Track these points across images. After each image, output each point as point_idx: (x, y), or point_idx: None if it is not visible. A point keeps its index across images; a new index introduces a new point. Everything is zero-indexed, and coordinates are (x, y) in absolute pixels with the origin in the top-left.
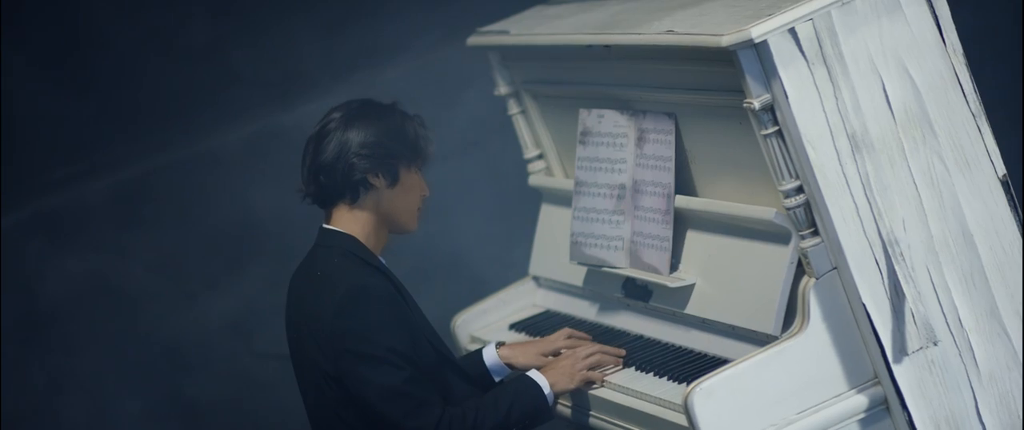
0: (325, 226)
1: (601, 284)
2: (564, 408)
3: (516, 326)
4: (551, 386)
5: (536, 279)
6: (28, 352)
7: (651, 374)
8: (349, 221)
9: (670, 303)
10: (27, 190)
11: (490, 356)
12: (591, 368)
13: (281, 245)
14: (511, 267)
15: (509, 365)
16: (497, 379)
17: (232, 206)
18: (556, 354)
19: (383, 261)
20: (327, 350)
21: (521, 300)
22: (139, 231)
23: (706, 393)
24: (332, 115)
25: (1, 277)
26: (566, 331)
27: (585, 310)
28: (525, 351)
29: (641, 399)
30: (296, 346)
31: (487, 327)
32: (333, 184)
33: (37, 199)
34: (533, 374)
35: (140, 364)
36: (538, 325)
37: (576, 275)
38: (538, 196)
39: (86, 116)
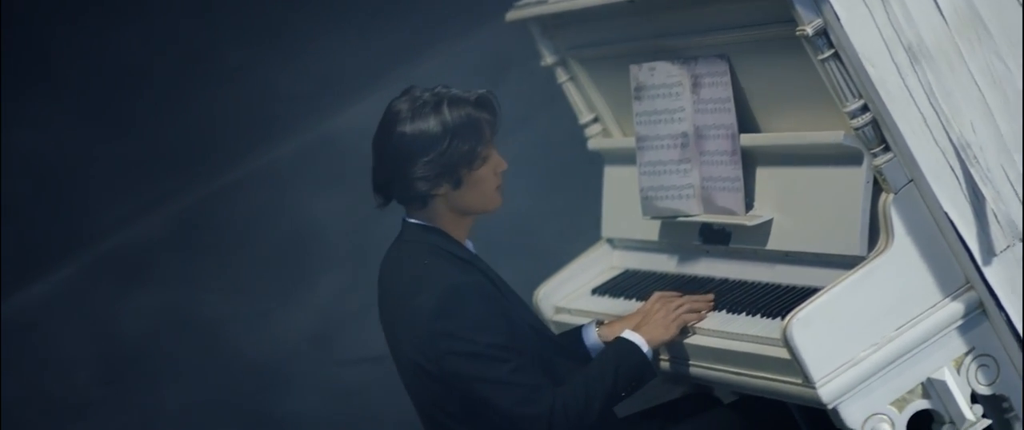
0: (408, 219)
1: (677, 235)
2: (663, 363)
3: (598, 290)
4: (647, 342)
5: (610, 241)
6: (114, 394)
7: (743, 314)
8: (429, 215)
9: (750, 242)
10: (89, 236)
11: (590, 338)
12: (682, 317)
13: (347, 250)
14: (581, 235)
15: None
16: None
17: (292, 219)
18: None
19: (471, 247)
20: (429, 352)
21: (598, 264)
22: (205, 258)
23: (803, 323)
24: (389, 121)
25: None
26: (657, 295)
27: (664, 264)
28: (622, 325)
29: (738, 340)
30: (393, 343)
31: (569, 296)
32: (397, 196)
33: (100, 243)
34: (627, 334)
35: (226, 389)
36: (620, 286)
37: (650, 230)
38: (597, 161)
39: (136, 153)
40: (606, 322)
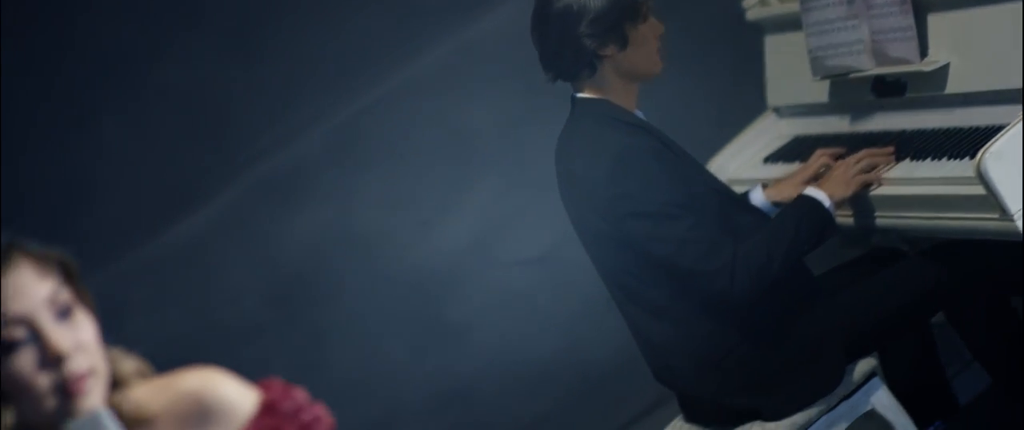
0: (577, 95)
1: (848, 93)
2: (845, 219)
3: (769, 158)
4: (829, 197)
5: (776, 110)
6: (282, 316)
7: (928, 160)
8: (596, 87)
9: (927, 89)
10: (244, 162)
11: (757, 198)
12: (864, 171)
13: (501, 154)
14: (742, 112)
15: (776, 204)
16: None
17: (444, 128)
18: (818, 176)
19: (641, 115)
20: (608, 217)
21: (766, 134)
22: (361, 174)
23: (996, 156)
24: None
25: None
26: (819, 151)
27: (836, 124)
28: (788, 184)
29: (927, 184)
30: (577, 217)
31: (741, 167)
32: (567, 66)
33: (256, 167)
34: (809, 191)
35: (392, 301)
36: (791, 152)
37: (819, 92)
38: (754, 31)
39: (282, 77)
40: (771, 184)
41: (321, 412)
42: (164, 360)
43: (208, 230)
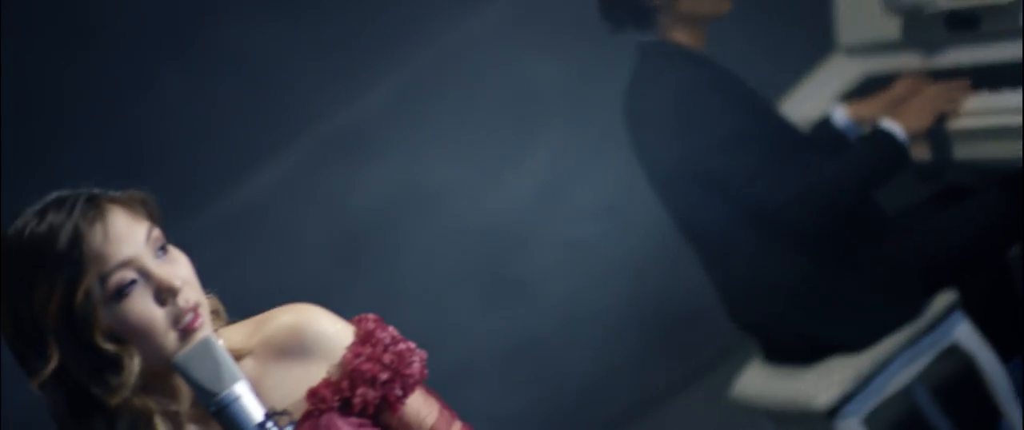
0: (641, 40)
1: (920, 28)
2: (920, 155)
3: (844, 96)
4: (904, 129)
5: (847, 49)
6: (352, 274)
7: (1005, 91)
8: (660, 31)
9: (1003, 23)
10: (308, 121)
11: (840, 117)
12: (939, 103)
13: (567, 106)
14: (811, 51)
15: (858, 122)
16: (852, 138)
17: (510, 81)
18: (899, 101)
19: (705, 53)
20: (678, 152)
21: (838, 75)
22: (427, 129)
23: None
24: None
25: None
26: (904, 76)
27: (909, 61)
28: (870, 104)
29: (1003, 115)
30: (647, 159)
31: (814, 109)
32: (632, 13)
33: (321, 125)
34: (884, 124)
35: (462, 255)
36: (864, 91)
37: (890, 28)
38: None
39: (342, 35)
40: (853, 103)
41: (413, 345)
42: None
43: (275, 188)
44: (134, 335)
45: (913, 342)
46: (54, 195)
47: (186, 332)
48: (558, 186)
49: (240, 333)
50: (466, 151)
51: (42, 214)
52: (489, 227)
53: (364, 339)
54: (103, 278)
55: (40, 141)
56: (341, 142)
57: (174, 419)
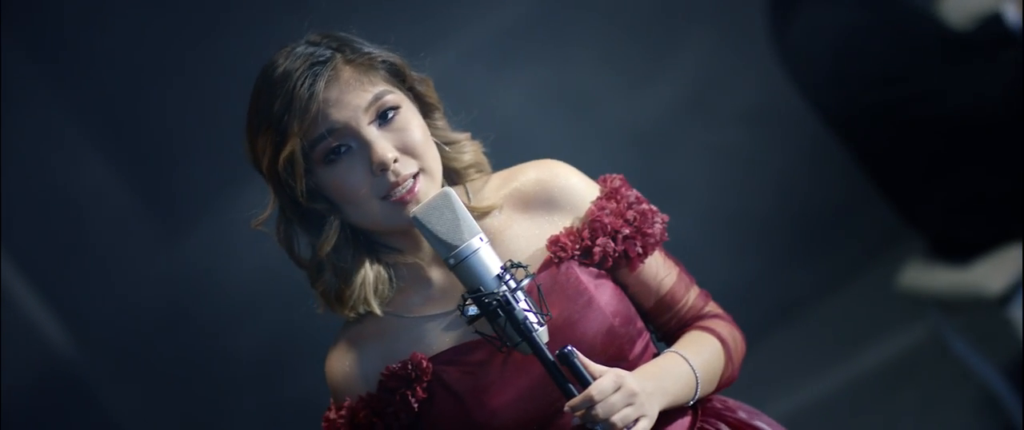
0: None
1: None
2: None
3: None
4: None
5: None
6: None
7: None
8: None
9: None
10: (455, 25)
11: (1012, 14)
12: None
13: (713, 12)
14: None
15: None
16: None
17: None
18: None
19: None
20: (846, 92)
21: None
22: (573, 32)
23: None
24: None
25: None
26: None
27: None
28: None
29: None
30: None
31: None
32: None
33: (467, 28)
34: None
35: (607, 159)
36: None
37: None
38: None
39: None
40: None
41: (656, 209)
42: None
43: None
44: (339, 199)
45: None
46: (314, 33)
47: (398, 205)
48: (704, 93)
49: (490, 186)
50: (610, 55)
51: (289, 56)
52: (636, 131)
53: (609, 195)
54: (313, 143)
55: (40, 140)
56: (488, 46)
57: (415, 270)
